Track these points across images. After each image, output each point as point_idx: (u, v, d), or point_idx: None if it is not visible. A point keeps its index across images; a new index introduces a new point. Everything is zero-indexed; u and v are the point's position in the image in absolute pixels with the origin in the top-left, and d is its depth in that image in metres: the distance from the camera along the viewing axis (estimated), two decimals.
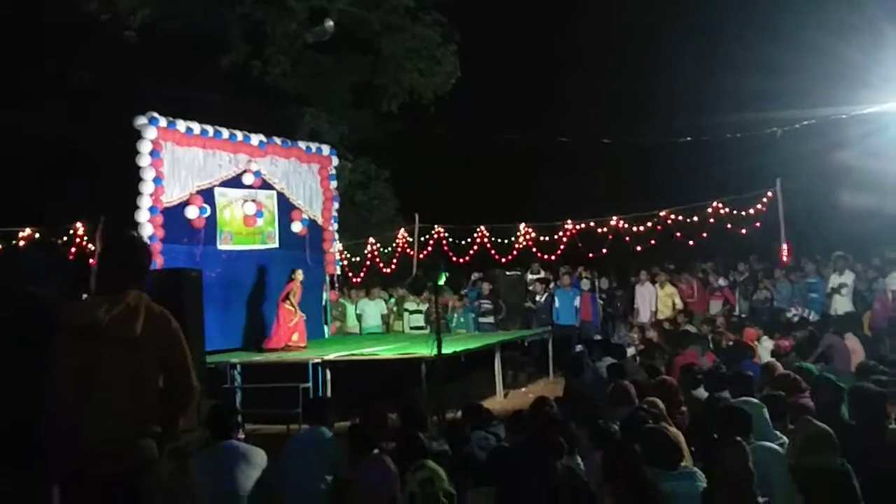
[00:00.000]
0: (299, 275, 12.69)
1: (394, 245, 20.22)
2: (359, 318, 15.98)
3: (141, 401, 3.86)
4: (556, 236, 18.41)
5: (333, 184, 15.24)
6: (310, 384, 10.56)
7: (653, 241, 17.10)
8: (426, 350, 9.78)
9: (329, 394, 10.71)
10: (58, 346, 3.79)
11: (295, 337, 12.50)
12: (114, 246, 4.26)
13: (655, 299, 15.52)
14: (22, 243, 17.96)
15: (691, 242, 16.87)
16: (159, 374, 3.95)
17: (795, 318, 11.78)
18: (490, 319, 15.89)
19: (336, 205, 15.28)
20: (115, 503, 3.75)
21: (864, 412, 5.37)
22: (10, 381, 4.06)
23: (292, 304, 12.55)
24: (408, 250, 19.66)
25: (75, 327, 3.82)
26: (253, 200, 13.41)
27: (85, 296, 4.64)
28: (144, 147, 11.70)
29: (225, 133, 12.94)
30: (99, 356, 3.79)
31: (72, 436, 3.71)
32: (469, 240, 19.39)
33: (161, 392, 3.95)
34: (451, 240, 19.56)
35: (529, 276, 16.84)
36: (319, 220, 14.83)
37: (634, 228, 17.38)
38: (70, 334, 3.81)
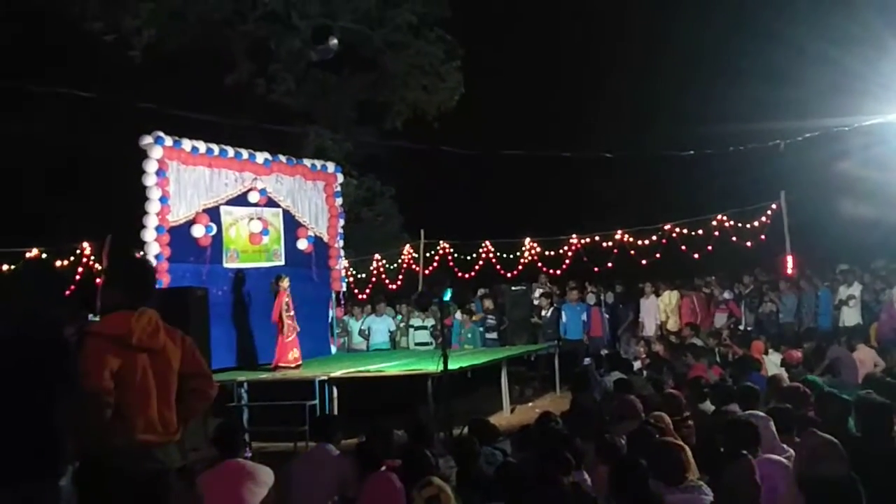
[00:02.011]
0: (285, 282, 12.24)
1: (399, 261, 20.26)
2: (362, 333, 15.96)
3: (168, 407, 4.03)
4: (561, 251, 18.43)
5: (339, 201, 15.27)
6: (316, 401, 10.52)
7: (658, 255, 17.10)
8: (432, 366, 9.78)
9: (335, 411, 10.71)
10: (92, 351, 3.86)
11: (291, 356, 11.98)
12: (127, 267, 4.49)
13: (660, 312, 15.52)
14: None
15: (696, 255, 16.88)
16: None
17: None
18: (494, 335, 15.87)
19: (341, 222, 15.30)
20: None
21: (870, 423, 5.34)
22: (17, 397, 4.10)
23: (288, 317, 12.09)
24: (413, 266, 19.69)
25: (109, 336, 3.91)
26: (259, 218, 13.42)
27: (90, 315, 4.72)
28: (150, 166, 11.74)
29: (230, 151, 12.98)
30: (133, 363, 3.92)
31: (106, 438, 3.81)
32: (474, 255, 19.43)
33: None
34: (456, 255, 19.61)
35: (535, 291, 16.82)
36: (325, 237, 14.83)
37: (639, 242, 17.40)
38: (105, 341, 3.89)
